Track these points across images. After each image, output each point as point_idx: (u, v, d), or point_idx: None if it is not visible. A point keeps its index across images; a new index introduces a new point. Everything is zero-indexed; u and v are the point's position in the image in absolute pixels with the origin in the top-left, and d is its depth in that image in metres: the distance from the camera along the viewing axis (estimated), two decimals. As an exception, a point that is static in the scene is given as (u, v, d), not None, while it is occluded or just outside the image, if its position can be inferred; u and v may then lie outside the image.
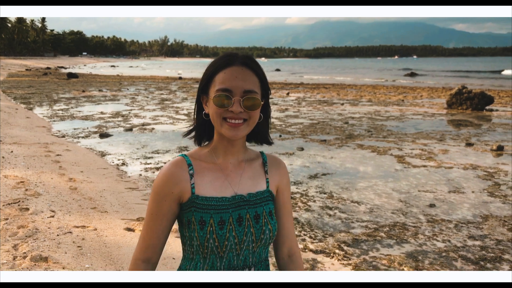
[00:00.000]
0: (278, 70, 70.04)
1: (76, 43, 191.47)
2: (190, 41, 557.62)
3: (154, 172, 7.19)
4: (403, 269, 3.98)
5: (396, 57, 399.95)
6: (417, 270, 3.97)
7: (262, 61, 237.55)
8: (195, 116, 1.41)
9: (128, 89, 26.61)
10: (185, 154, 1.37)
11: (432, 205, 5.71)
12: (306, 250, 4.36)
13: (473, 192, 6.30)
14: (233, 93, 1.26)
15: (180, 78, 41.20)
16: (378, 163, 7.93)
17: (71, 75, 38.28)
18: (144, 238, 1.35)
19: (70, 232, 4.30)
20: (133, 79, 38.50)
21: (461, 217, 5.33)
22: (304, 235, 4.74)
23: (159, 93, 23.50)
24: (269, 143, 1.44)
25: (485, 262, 4.15)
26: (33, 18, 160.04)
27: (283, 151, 8.89)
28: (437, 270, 3.98)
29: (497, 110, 16.05)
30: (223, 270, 1.32)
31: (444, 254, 4.32)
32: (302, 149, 9.09)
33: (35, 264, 3.57)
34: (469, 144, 9.67)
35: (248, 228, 1.31)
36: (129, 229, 4.57)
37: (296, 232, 4.81)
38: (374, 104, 18.43)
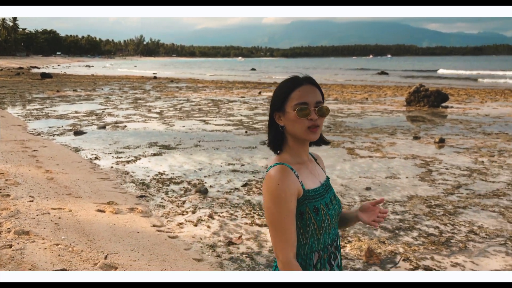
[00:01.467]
0: (253, 69, 70.88)
1: (50, 43, 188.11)
2: (166, 40, 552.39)
3: (124, 165, 7.85)
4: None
5: (370, 56, 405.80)
6: (341, 238, 4.79)
7: (239, 60, 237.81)
8: (269, 131, 1.79)
9: (102, 89, 26.95)
10: (280, 162, 1.66)
11: (368, 188, 6.58)
12: (253, 224, 5.14)
13: (407, 177, 7.20)
14: (309, 105, 1.62)
15: (155, 77, 41.59)
16: (330, 154, 8.79)
17: (45, 75, 38.14)
18: (286, 238, 1.57)
19: (48, 213, 4.96)
20: (107, 79, 38.67)
21: (391, 197, 6.21)
22: (254, 213, 5.52)
23: (133, 93, 23.97)
24: (328, 142, 1.84)
25: (399, 230, 5.02)
26: (4, 17, 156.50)
27: (247, 145, 9.67)
28: (359, 237, 4.81)
29: (451, 107, 17.21)
30: (330, 243, 1.70)
31: (367, 225, 5.15)
32: (264, 143, 9.85)
33: (18, 237, 4.23)
34: (416, 138, 10.65)
35: (335, 204, 1.74)
36: (100, 211, 5.26)
37: (247, 211, 5.59)
38: (339, 102, 19.41)
